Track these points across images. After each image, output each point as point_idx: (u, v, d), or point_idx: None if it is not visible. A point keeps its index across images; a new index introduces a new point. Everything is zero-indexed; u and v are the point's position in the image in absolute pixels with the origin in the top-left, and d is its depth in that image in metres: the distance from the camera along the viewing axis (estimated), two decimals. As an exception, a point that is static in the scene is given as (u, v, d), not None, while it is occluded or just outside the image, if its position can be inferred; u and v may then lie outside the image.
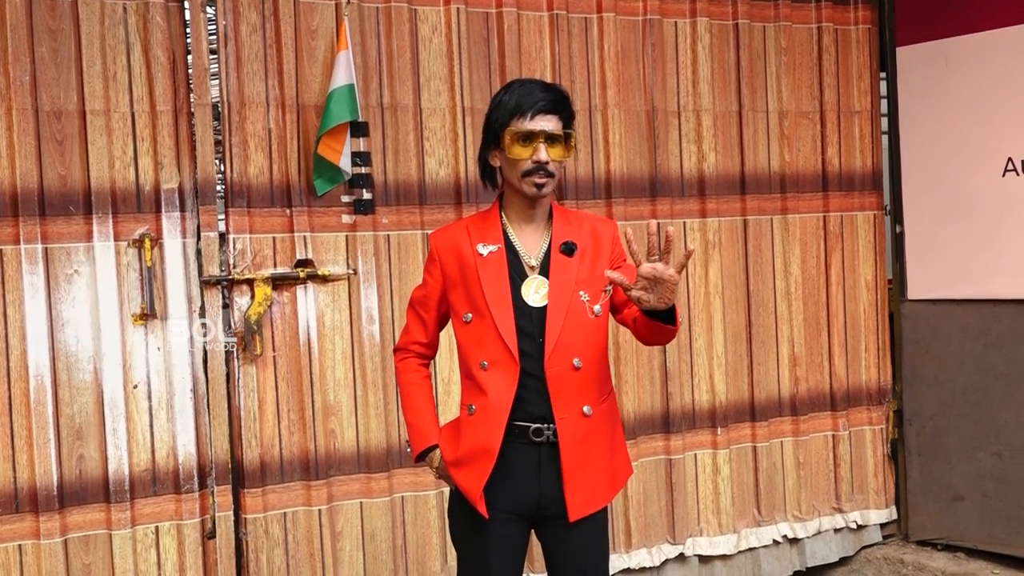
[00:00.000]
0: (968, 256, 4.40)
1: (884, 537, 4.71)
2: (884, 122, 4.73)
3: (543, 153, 2.37)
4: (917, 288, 4.57)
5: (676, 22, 4.22)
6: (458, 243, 2.49)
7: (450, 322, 2.58)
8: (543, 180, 2.39)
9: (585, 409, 2.43)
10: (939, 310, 4.52)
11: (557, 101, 2.41)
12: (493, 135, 2.44)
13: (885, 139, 4.74)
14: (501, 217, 2.50)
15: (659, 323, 2.30)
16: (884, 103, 4.72)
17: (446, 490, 2.59)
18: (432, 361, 2.72)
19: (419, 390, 2.61)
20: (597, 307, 2.46)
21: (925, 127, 4.51)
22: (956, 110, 4.40)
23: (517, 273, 2.44)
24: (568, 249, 2.44)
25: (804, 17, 4.48)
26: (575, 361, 2.41)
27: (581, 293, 2.43)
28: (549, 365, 2.39)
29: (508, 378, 2.39)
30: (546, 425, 2.41)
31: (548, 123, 2.38)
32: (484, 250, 2.45)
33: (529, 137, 2.37)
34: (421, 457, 2.57)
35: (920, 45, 4.51)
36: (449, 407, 3.72)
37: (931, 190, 4.50)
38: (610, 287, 2.47)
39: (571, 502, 2.42)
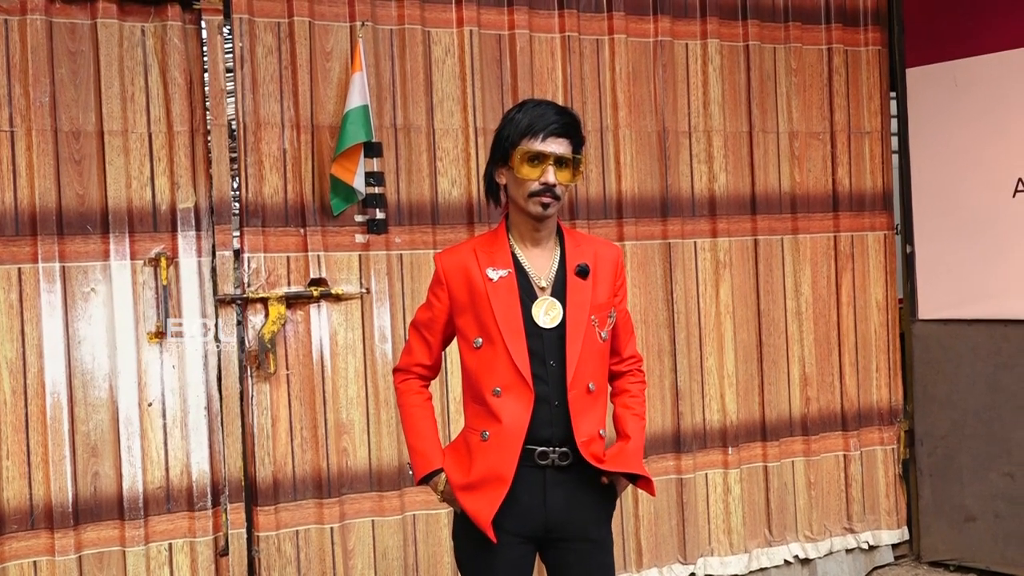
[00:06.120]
0: (979, 276, 4.40)
1: (896, 558, 4.69)
2: (894, 142, 4.75)
3: (551, 176, 2.35)
4: (928, 308, 4.58)
5: (687, 43, 4.25)
6: (467, 266, 2.44)
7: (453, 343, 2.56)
8: (548, 201, 2.36)
9: (601, 432, 2.44)
10: (950, 330, 4.52)
11: (569, 125, 2.40)
12: (502, 152, 2.42)
13: (895, 159, 4.76)
14: (508, 239, 2.46)
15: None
16: (894, 123, 4.75)
17: (455, 510, 2.59)
18: (432, 381, 2.67)
19: (421, 412, 2.56)
20: (604, 332, 2.45)
21: (935, 147, 4.52)
22: (966, 130, 4.42)
23: (527, 295, 2.41)
24: (583, 272, 2.43)
25: (814, 38, 4.51)
26: (590, 385, 2.42)
27: (592, 317, 2.42)
28: (570, 388, 2.38)
29: (523, 405, 2.37)
30: (551, 448, 2.40)
31: (559, 146, 2.37)
32: (494, 275, 2.41)
33: (539, 158, 2.35)
34: (424, 481, 2.53)
35: (929, 66, 4.53)
36: (461, 427, 3.72)
37: (941, 210, 4.51)
38: (615, 313, 2.49)
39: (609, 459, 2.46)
